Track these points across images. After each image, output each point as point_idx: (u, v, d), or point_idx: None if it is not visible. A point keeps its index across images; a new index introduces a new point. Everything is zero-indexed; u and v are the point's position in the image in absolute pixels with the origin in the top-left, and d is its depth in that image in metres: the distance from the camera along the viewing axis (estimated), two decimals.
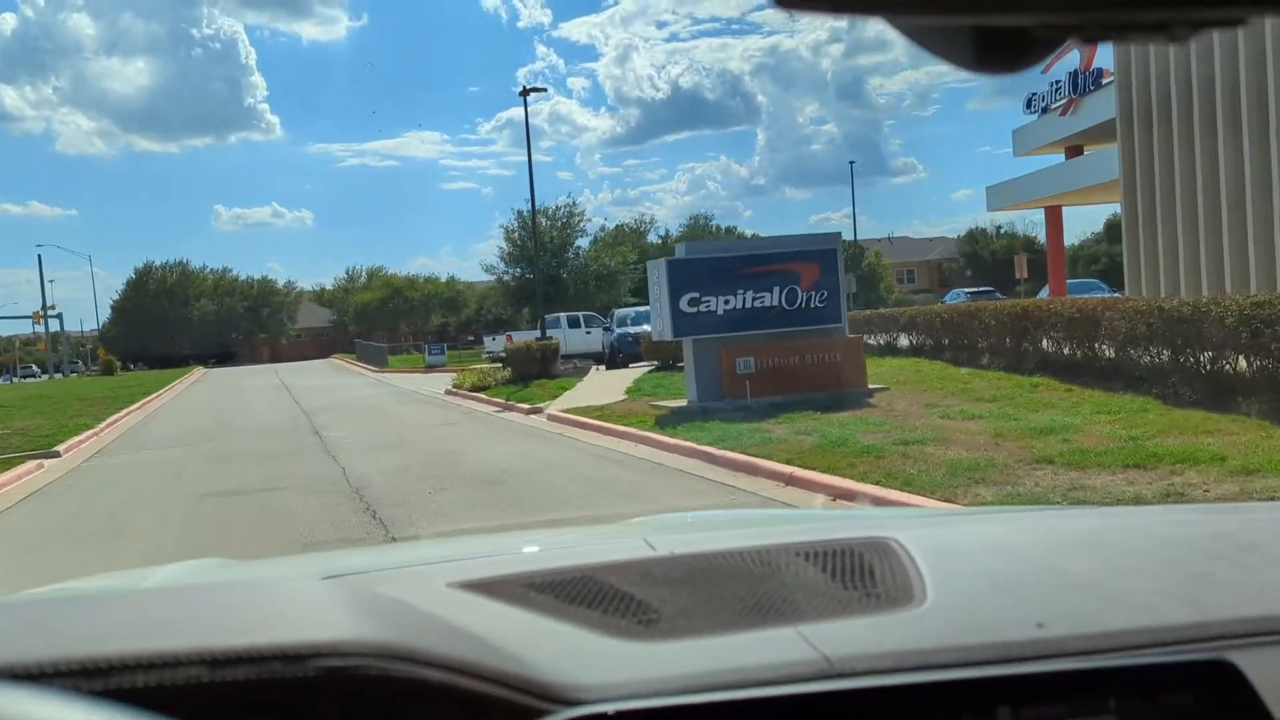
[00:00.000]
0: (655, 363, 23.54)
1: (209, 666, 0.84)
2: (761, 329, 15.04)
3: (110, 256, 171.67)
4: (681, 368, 20.73)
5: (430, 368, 37.98)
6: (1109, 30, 0.56)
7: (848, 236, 53.72)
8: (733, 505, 8.23)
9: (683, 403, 15.18)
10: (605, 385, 20.50)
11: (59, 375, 58.69)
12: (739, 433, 11.62)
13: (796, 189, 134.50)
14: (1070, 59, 25.90)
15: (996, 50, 0.57)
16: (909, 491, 7.91)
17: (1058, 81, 27.41)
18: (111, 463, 14.83)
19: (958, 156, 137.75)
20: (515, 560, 1.40)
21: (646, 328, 25.03)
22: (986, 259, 67.67)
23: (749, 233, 66.26)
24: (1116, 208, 25.01)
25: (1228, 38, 16.58)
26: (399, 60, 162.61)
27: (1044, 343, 15.26)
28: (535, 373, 23.21)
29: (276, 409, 23.06)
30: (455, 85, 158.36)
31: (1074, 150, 28.93)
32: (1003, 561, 1.28)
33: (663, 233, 66.81)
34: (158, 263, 76.00)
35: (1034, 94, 29.01)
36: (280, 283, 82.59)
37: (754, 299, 15.02)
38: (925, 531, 1.45)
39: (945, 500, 7.49)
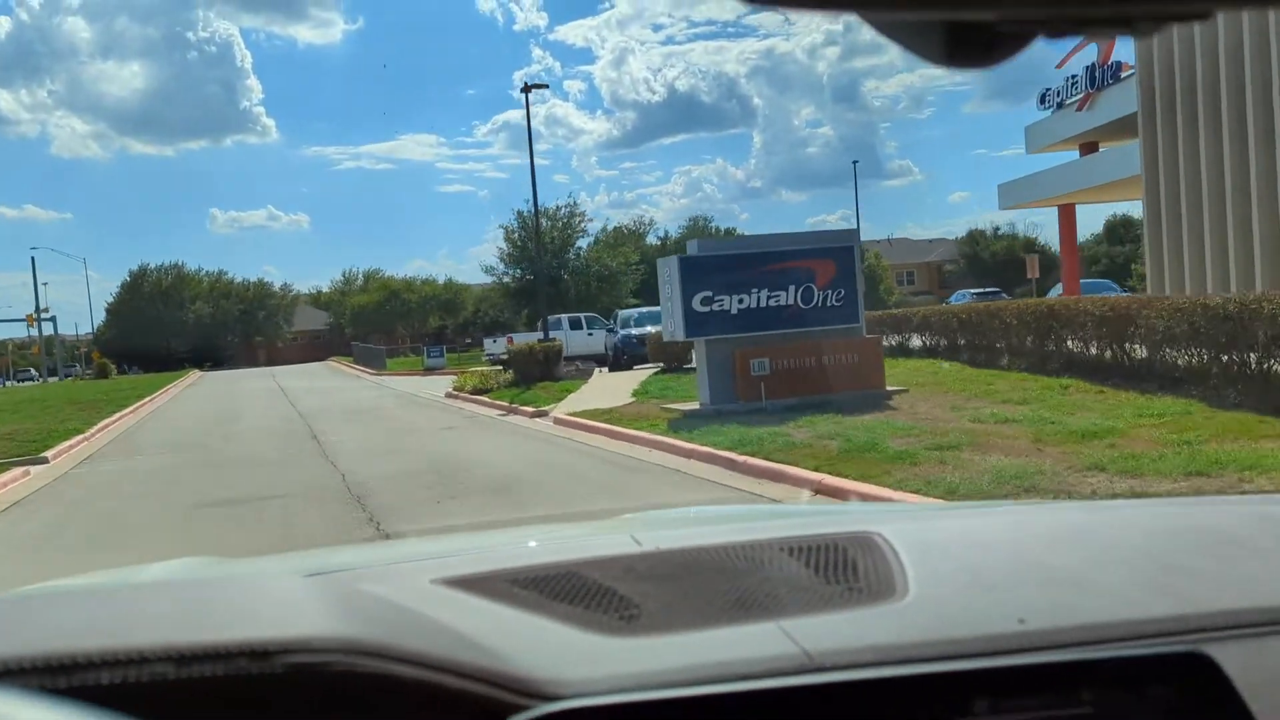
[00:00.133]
0: (660, 364, 23.03)
1: (175, 663, 0.83)
2: (776, 329, 14.50)
3: (105, 260, 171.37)
4: (688, 369, 20.29)
5: (429, 370, 37.26)
6: (1074, 25, 0.56)
7: None
8: None
9: (695, 405, 14.66)
10: (611, 387, 19.94)
11: (53, 379, 58.12)
12: (758, 437, 11.08)
13: (793, 191, 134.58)
14: (1087, 52, 25.23)
15: (966, 45, 0.57)
16: (955, 501, 7.35)
17: (1074, 76, 26.77)
18: (101, 469, 14.24)
19: (953, 159, 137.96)
20: (500, 556, 1.35)
21: (650, 329, 24.55)
22: (987, 260, 67.39)
23: (747, 235, 65.86)
24: (1118, 208, 24.52)
25: (1258, 28, 16.06)
26: (395, 63, 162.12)
27: (1069, 343, 14.76)
28: (538, 375, 22.67)
29: (273, 413, 22.45)
30: (451, 88, 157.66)
31: (1089, 147, 28.40)
32: (985, 555, 1.26)
33: (661, 234, 66.50)
34: (153, 265, 75.63)
35: (1048, 89, 28.30)
36: (276, 285, 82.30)
37: (769, 298, 14.46)
38: (909, 526, 1.44)
39: None
